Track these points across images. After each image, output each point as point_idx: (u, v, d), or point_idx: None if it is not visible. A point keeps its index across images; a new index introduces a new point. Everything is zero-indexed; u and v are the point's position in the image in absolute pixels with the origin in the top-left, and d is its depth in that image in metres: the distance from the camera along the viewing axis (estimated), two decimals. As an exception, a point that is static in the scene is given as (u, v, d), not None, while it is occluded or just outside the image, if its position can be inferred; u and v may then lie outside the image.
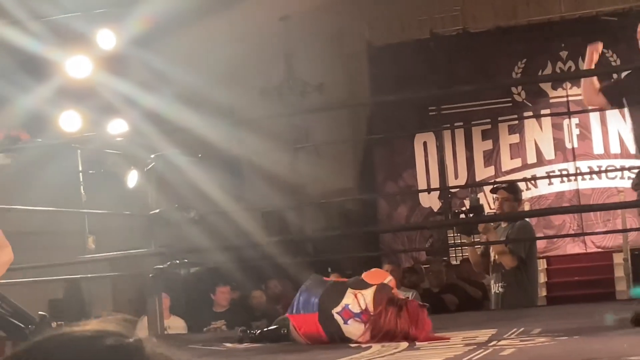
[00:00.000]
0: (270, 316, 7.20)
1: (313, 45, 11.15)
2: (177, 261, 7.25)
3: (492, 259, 5.91)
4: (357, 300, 4.21)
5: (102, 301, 9.93)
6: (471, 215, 5.58)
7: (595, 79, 4.63)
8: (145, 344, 1.12)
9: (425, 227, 11.21)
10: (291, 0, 10.33)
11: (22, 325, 4.40)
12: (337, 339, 4.24)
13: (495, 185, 6.43)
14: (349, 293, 4.24)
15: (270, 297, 8.66)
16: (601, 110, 5.06)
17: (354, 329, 4.17)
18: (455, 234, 10.29)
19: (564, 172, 11.13)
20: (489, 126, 11.37)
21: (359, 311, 4.16)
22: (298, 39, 11.02)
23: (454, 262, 9.93)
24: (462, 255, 9.69)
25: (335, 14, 11.17)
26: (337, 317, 4.21)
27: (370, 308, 4.13)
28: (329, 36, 11.66)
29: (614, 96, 4.59)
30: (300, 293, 4.47)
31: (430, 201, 11.56)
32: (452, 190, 11.60)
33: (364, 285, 4.24)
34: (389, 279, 4.33)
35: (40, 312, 5.01)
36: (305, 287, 4.50)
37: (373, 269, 4.55)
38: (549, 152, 11.24)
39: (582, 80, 4.79)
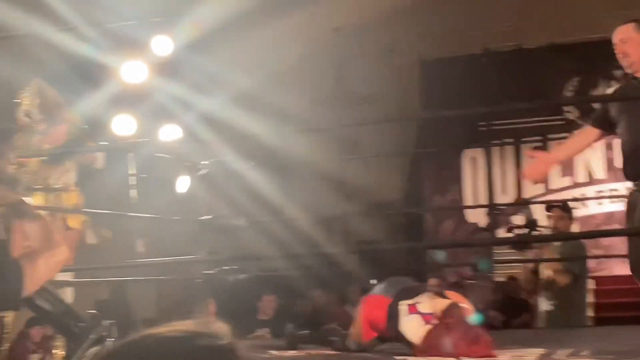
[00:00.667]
0: (315, 326, 7.19)
1: (365, 57, 11.18)
2: (226, 267, 7.28)
3: (543, 276, 5.84)
4: (431, 302, 4.23)
5: (147, 304, 9.98)
6: (527, 230, 5.55)
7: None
8: (238, 346, 1.10)
9: (476, 244, 11.10)
10: (345, 12, 10.32)
11: (73, 323, 4.45)
12: (393, 333, 4.26)
13: (549, 204, 6.34)
14: (427, 295, 4.31)
15: (315, 307, 8.65)
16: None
17: (412, 325, 4.18)
18: (502, 250, 10.20)
19: (615, 192, 10.97)
20: (539, 143, 11.29)
21: (426, 312, 4.18)
22: (350, 50, 11.07)
23: (499, 279, 9.83)
24: (508, 272, 9.58)
25: (388, 26, 11.07)
26: (403, 308, 4.24)
27: (437, 315, 4.15)
28: (381, 48, 11.61)
29: (605, 124, 4.36)
30: (386, 280, 4.60)
31: (477, 217, 11.49)
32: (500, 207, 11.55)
33: (443, 296, 4.32)
34: (465, 305, 4.35)
35: (91, 311, 5.05)
36: (393, 278, 4.63)
37: (455, 292, 4.61)
38: (599, 172, 11.11)
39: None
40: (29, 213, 4.13)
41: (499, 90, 10.86)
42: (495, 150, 11.42)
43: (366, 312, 4.43)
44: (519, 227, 5.70)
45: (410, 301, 4.27)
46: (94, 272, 7.36)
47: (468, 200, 11.61)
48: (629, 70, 4.25)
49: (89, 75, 8.21)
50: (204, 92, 8.93)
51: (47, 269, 4.12)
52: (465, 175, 11.60)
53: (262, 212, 8.34)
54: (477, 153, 11.42)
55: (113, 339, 4.26)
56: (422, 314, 4.17)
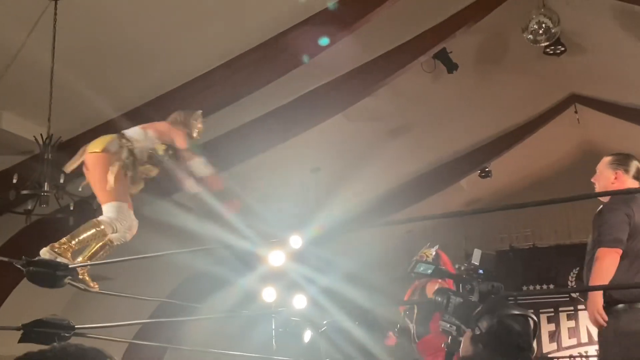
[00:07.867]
0: None
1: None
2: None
3: None
4: None
5: None
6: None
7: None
8: None
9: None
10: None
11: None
12: None
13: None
14: None
15: None
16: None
17: None
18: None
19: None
20: (552, 313, 12.51)
21: None
22: (417, 245, 12.19)
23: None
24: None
25: (443, 230, 12.79)
26: None
27: None
28: (438, 244, 12.87)
29: None
30: None
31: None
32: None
33: None
34: None
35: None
36: None
37: None
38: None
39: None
40: None
41: (521, 276, 12.33)
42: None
43: None
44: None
45: None
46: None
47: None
48: None
49: (246, 260, 9.64)
50: (322, 272, 10.76)
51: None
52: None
53: (362, 356, 9.94)
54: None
55: None
56: None
